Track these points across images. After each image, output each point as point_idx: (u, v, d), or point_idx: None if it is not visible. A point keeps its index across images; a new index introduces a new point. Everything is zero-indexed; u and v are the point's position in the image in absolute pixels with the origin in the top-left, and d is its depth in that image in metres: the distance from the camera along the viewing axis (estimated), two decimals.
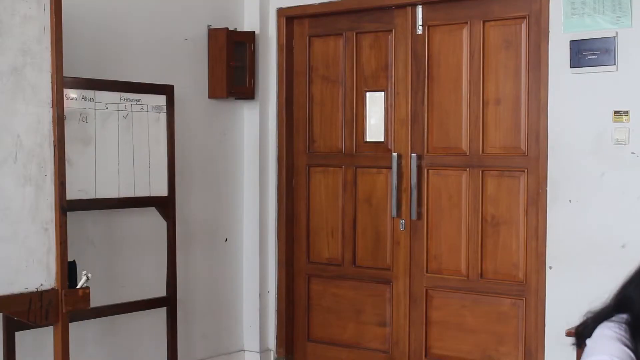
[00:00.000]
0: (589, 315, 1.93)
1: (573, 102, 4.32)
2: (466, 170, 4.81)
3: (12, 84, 3.29)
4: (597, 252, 4.22)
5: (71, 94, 4.19)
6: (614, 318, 1.88)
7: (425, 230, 4.96)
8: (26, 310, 3.34)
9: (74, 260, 3.60)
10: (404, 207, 5.05)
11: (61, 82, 3.42)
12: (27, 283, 3.35)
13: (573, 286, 4.25)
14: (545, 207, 4.44)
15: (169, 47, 5.02)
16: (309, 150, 5.47)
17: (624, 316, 1.87)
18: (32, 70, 3.35)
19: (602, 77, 4.22)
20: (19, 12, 3.30)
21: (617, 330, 1.85)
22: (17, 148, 3.30)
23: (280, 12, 5.42)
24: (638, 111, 4.14)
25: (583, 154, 4.30)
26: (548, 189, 4.42)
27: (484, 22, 4.72)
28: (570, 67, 4.29)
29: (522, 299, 4.63)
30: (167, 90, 4.71)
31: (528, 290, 4.59)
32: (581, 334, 1.92)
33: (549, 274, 4.43)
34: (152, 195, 4.63)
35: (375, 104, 5.22)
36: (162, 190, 4.67)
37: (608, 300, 1.93)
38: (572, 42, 4.27)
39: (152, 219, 4.75)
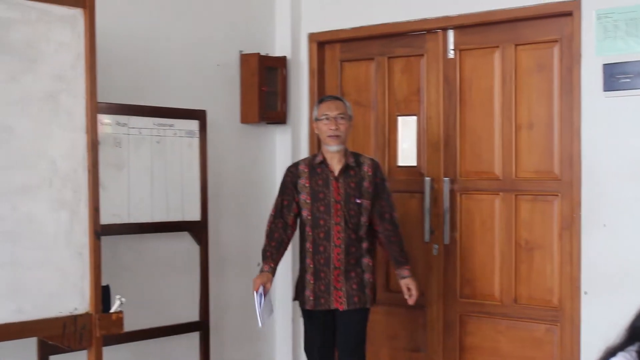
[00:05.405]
0: (607, 350, 1.97)
1: (606, 126, 4.29)
2: (499, 194, 4.78)
3: (48, 110, 3.32)
4: (632, 277, 4.17)
5: (105, 119, 4.24)
6: (628, 348, 1.93)
7: (458, 255, 4.93)
8: (60, 335, 3.36)
9: (108, 285, 3.62)
10: (436, 232, 5.03)
11: (95, 107, 3.45)
12: (61, 307, 3.37)
13: (609, 312, 4.18)
14: (579, 231, 4.39)
15: (201, 72, 5.06)
16: None
17: (636, 346, 1.92)
18: (67, 97, 3.38)
19: (636, 100, 4.18)
20: (54, 39, 3.34)
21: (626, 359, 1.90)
22: (52, 173, 3.33)
23: (312, 37, 5.44)
24: None
25: (617, 178, 4.25)
26: (582, 213, 4.38)
27: (515, 45, 4.71)
28: (604, 91, 4.26)
29: (557, 325, 4.57)
30: (199, 116, 4.75)
31: (563, 315, 4.54)
32: None
33: (584, 300, 4.38)
34: (185, 219, 4.65)
35: (407, 128, 5.22)
36: (194, 215, 4.70)
37: (622, 333, 1.98)
38: (605, 65, 4.24)
39: (185, 243, 4.77)
